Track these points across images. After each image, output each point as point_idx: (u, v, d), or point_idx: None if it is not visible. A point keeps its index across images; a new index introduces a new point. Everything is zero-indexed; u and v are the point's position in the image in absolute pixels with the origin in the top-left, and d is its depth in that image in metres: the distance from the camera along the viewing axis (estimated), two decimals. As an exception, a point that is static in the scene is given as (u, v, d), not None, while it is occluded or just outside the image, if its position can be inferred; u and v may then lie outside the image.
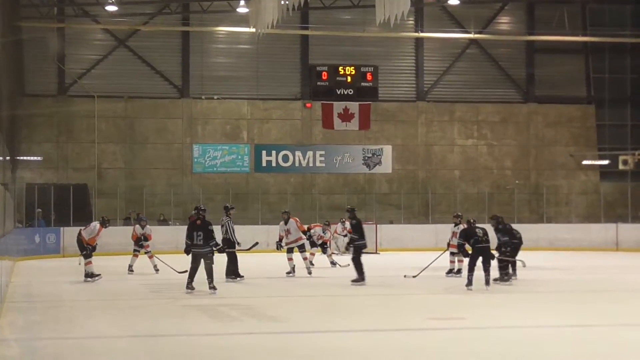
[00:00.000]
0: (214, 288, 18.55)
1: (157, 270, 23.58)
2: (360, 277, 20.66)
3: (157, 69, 38.90)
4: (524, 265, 24.76)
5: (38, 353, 11.83)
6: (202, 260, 18.68)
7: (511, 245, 21.34)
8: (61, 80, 38.09)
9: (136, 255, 24.02)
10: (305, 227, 23.94)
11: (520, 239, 22.28)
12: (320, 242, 26.99)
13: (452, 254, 22.63)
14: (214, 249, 19.04)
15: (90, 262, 21.66)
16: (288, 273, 22.56)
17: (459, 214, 23.50)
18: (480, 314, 15.59)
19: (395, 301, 18.12)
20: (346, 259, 28.45)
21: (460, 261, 22.34)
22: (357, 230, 21.07)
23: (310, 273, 22.71)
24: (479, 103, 41.71)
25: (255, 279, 21.69)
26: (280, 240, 22.97)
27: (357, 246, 20.91)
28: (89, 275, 21.59)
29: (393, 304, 17.53)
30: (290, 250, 22.84)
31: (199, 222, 18.91)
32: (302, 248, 22.85)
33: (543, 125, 42.10)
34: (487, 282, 19.24)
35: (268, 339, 12.87)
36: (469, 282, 19.15)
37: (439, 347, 11.95)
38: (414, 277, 22.05)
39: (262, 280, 21.81)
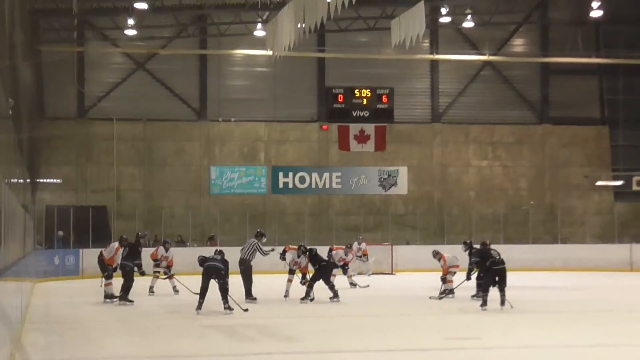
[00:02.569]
0: (229, 308, 18.72)
1: (176, 291, 23.81)
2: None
3: (175, 91, 39.30)
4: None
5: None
6: (212, 279, 18.76)
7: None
8: (81, 103, 38.56)
9: (156, 277, 24.23)
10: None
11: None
12: (341, 263, 27.18)
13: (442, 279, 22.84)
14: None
15: (110, 284, 21.94)
16: (285, 297, 22.32)
17: (437, 250, 23.58)
18: (496, 334, 15.76)
19: (410, 321, 18.28)
20: (365, 279, 28.75)
21: (449, 282, 22.63)
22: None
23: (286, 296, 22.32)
24: (494, 124, 41.93)
25: (270, 300, 21.84)
26: (284, 253, 22.89)
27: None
28: (109, 296, 21.86)
29: (409, 324, 17.66)
30: (292, 272, 22.77)
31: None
32: (292, 272, 22.76)
33: (558, 146, 42.26)
34: (502, 302, 19.36)
35: (284, 359, 13.09)
36: (484, 302, 19.35)
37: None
38: (439, 298, 22.24)
39: (277, 300, 21.95)
